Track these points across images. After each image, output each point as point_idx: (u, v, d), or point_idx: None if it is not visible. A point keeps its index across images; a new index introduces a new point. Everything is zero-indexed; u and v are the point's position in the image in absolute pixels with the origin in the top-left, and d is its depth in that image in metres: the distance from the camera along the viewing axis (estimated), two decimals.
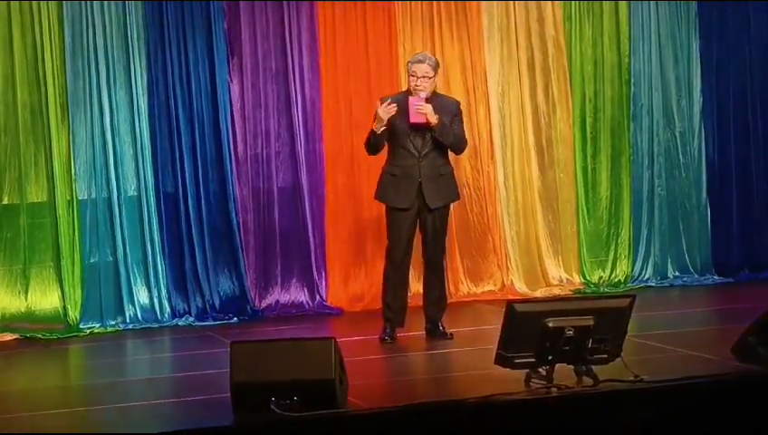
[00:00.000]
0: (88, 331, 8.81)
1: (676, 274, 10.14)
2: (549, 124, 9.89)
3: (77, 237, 8.89)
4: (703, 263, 10.20)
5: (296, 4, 9.33)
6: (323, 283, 9.42)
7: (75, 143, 8.92)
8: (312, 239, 9.35)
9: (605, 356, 6.13)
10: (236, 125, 9.25)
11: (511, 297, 9.12)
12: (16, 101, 8.82)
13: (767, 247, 10.25)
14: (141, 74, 9.04)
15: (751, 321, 6.74)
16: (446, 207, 8.00)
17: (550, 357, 6.04)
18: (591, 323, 6.02)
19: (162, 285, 9.06)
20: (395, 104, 7.67)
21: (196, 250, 9.10)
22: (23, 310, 8.84)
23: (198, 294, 9.12)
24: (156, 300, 9.03)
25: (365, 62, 9.49)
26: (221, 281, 9.18)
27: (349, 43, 9.47)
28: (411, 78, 7.81)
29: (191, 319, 9.05)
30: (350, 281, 9.47)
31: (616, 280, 10.00)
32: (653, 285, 10.04)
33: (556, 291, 9.69)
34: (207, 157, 9.15)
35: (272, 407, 5.69)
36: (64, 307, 8.86)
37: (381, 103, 7.72)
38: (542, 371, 6.10)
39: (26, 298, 8.86)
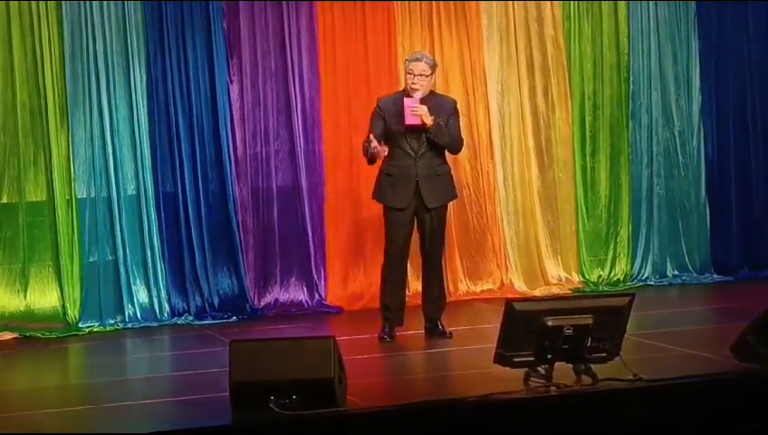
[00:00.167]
0: (87, 330, 8.81)
1: (676, 272, 10.15)
2: (548, 124, 9.90)
3: (76, 237, 8.89)
4: (702, 261, 10.21)
5: (295, 3, 9.34)
6: (322, 282, 9.43)
7: (74, 143, 8.93)
8: (311, 238, 9.35)
9: (604, 355, 6.13)
10: (236, 125, 9.25)
11: (510, 296, 9.12)
12: (15, 101, 8.82)
13: (766, 246, 10.25)
14: (140, 74, 9.05)
15: (750, 320, 6.74)
16: (444, 207, 8.00)
17: (549, 356, 6.04)
18: (590, 321, 6.02)
19: (161, 284, 9.06)
20: (385, 148, 7.66)
21: (196, 249, 9.10)
22: (22, 309, 8.84)
23: (198, 293, 9.12)
24: (155, 299, 9.03)
25: (364, 61, 9.50)
26: (220, 280, 9.19)
27: (348, 43, 9.48)
28: (408, 76, 7.81)
29: (190, 318, 9.06)
30: (350, 280, 9.47)
31: (615, 279, 10.01)
32: (652, 283, 10.05)
33: (555, 290, 9.69)
34: (207, 156, 9.15)
35: (271, 406, 5.70)
36: (63, 306, 8.86)
37: (373, 138, 7.68)
38: (541, 369, 6.10)
39: (25, 297, 8.86)
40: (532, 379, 6.15)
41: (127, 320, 8.95)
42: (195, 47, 9.12)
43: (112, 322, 8.93)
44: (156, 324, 8.96)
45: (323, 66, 9.42)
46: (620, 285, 9.92)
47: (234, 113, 9.25)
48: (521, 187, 9.84)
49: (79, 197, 8.94)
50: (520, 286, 9.72)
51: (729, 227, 10.25)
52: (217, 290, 9.16)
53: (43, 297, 8.89)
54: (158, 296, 9.05)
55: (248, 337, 7.53)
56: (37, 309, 8.87)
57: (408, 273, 8.64)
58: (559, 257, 9.91)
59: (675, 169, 10.20)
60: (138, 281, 9.03)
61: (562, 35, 9.91)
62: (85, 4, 8.92)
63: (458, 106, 8.13)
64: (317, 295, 9.36)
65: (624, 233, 10.06)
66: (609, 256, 10.04)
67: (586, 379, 6.11)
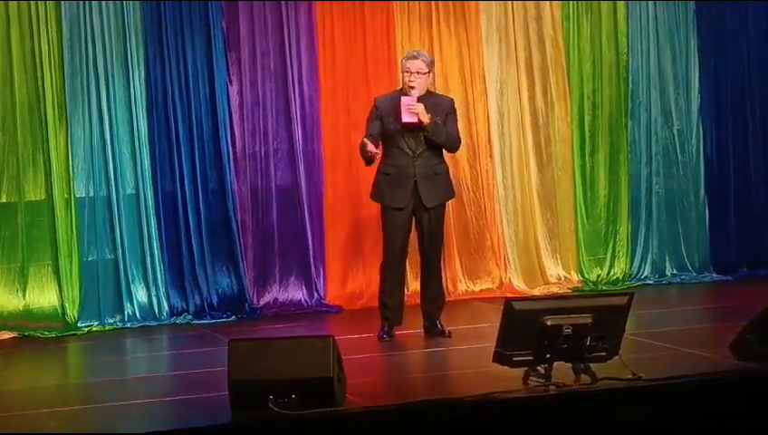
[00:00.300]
0: (86, 329, 8.81)
1: (675, 271, 10.15)
2: (547, 123, 9.90)
3: (75, 236, 8.89)
4: (701, 260, 10.21)
5: (294, 3, 9.34)
6: (321, 281, 9.43)
7: (73, 142, 8.93)
8: (310, 238, 9.36)
9: (603, 354, 6.13)
10: (235, 124, 9.25)
11: (509, 295, 9.14)
12: (14, 100, 8.83)
13: (765, 245, 10.26)
14: (140, 73, 9.04)
15: (749, 319, 6.74)
16: (442, 206, 8.00)
17: (548, 355, 6.04)
18: (589, 321, 6.02)
19: (160, 284, 9.06)
20: (378, 153, 7.67)
21: (195, 248, 9.10)
22: (21, 308, 8.84)
23: (197, 292, 9.12)
24: (154, 298, 9.04)
25: (363, 60, 9.50)
26: (219, 279, 9.19)
27: (347, 43, 9.48)
28: (405, 74, 7.81)
29: (189, 317, 9.06)
30: (349, 279, 9.47)
31: (614, 278, 10.01)
32: (651, 282, 10.05)
33: (554, 289, 9.69)
34: (206, 155, 9.16)
35: (270, 405, 5.69)
36: (62, 305, 8.86)
37: (368, 142, 7.67)
38: (540, 369, 6.10)
39: (24, 296, 8.86)
40: (531, 378, 6.14)
41: (126, 319, 8.95)
42: (194, 47, 9.12)
43: (111, 321, 8.93)
44: (155, 324, 8.96)
45: (322, 66, 9.42)
46: (619, 284, 9.93)
47: (233, 113, 9.25)
48: (520, 186, 9.84)
49: (78, 196, 8.94)
50: (519, 286, 9.72)
51: (728, 225, 10.26)
52: (216, 289, 9.16)
53: (42, 297, 8.89)
54: (158, 296, 9.05)
55: (247, 336, 7.52)
56: (36, 308, 8.87)
57: (407, 272, 8.65)
58: (558, 256, 9.91)
59: (674, 168, 10.21)
60: (137, 280, 9.03)
61: (562, 35, 9.92)
62: (84, 3, 8.92)
63: (457, 105, 8.13)
64: (316, 295, 9.36)
65: (623, 232, 10.07)
66: (609, 255, 10.04)
67: (585, 378, 6.10)
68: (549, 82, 9.88)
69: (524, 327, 6.00)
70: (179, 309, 9.10)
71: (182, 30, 9.09)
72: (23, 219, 8.86)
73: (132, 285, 9.01)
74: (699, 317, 8.93)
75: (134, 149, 9.04)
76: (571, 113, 9.96)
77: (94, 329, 8.84)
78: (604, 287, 9.79)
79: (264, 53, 9.31)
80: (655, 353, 7.04)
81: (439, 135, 7.78)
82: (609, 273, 10.02)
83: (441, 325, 7.96)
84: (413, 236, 7.95)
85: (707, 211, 10.27)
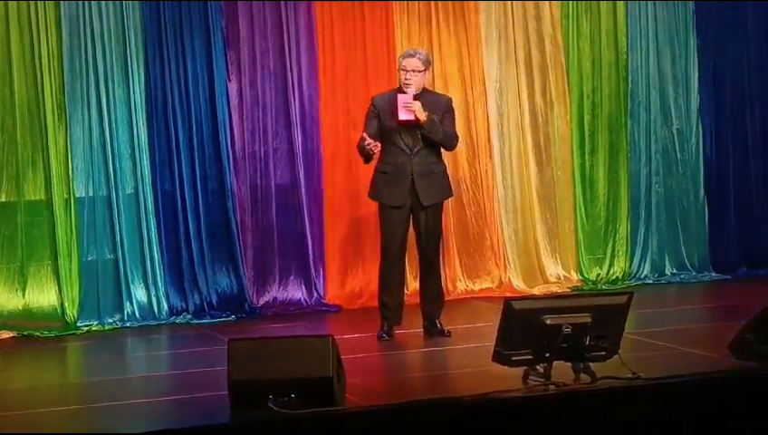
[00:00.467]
0: (85, 329, 8.81)
1: (674, 271, 10.16)
2: (546, 122, 9.90)
3: (75, 235, 8.89)
4: (700, 260, 10.22)
5: (294, 3, 9.34)
6: (321, 280, 9.43)
7: (73, 141, 8.93)
8: (309, 237, 9.36)
9: (603, 353, 6.13)
10: (234, 123, 9.25)
11: (508, 295, 9.15)
12: (14, 100, 8.82)
13: (765, 244, 10.26)
14: (139, 73, 9.04)
15: (748, 318, 6.75)
16: (440, 205, 7.99)
17: (547, 354, 6.04)
18: (589, 320, 6.02)
19: (160, 283, 9.06)
20: (377, 145, 7.66)
21: (194, 248, 9.10)
22: (20, 308, 8.84)
23: (196, 291, 9.12)
24: (153, 298, 9.03)
25: (362, 60, 9.50)
26: (219, 278, 9.19)
27: (346, 42, 9.48)
28: (401, 72, 7.80)
29: (189, 317, 9.06)
30: (348, 278, 9.48)
31: (613, 277, 10.01)
32: (650, 282, 10.06)
33: (554, 288, 9.69)
34: (205, 154, 9.16)
35: (269, 404, 5.69)
36: (62, 305, 8.86)
37: (367, 136, 7.67)
38: (539, 368, 6.10)
39: (24, 296, 8.86)
40: (530, 377, 6.14)
41: (125, 319, 8.95)
42: (193, 46, 9.12)
43: (111, 320, 8.93)
44: (154, 323, 8.96)
45: (322, 66, 9.42)
46: (619, 283, 9.93)
47: (232, 112, 9.25)
48: (519, 185, 9.84)
49: (77, 195, 8.94)
50: (518, 285, 9.72)
51: (727, 225, 10.26)
52: (216, 289, 9.16)
53: (42, 296, 8.89)
54: (157, 295, 9.04)
55: (247, 336, 7.53)
56: (36, 308, 8.87)
57: (407, 271, 8.65)
58: (557, 256, 9.91)
59: (673, 167, 10.21)
60: (136, 280, 9.03)
61: (561, 34, 9.92)
62: (84, 4, 8.91)
63: (456, 105, 8.13)
64: (316, 294, 9.36)
65: (623, 231, 10.07)
66: (608, 254, 10.05)
67: (585, 377, 6.11)
68: (548, 81, 9.89)
69: (524, 326, 6.00)
70: (179, 309, 9.10)
71: (181, 30, 9.09)
72: (22, 219, 8.86)
73: (132, 285, 9.01)
74: (698, 317, 8.92)
75: (133, 148, 9.03)
76: (570, 112, 9.96)
77: (94, 329, 8.84)
78: (604, 287, 9.79)
79: (264, 53, 9.31)
80: (654, 353, 7.05)
81: (436, 133, 7.77)
82: (608, 272, 10.02)
83: (441, 325, 7.96)
84: (411, 235, 7.95)
85: (707, 210, 10.27)
